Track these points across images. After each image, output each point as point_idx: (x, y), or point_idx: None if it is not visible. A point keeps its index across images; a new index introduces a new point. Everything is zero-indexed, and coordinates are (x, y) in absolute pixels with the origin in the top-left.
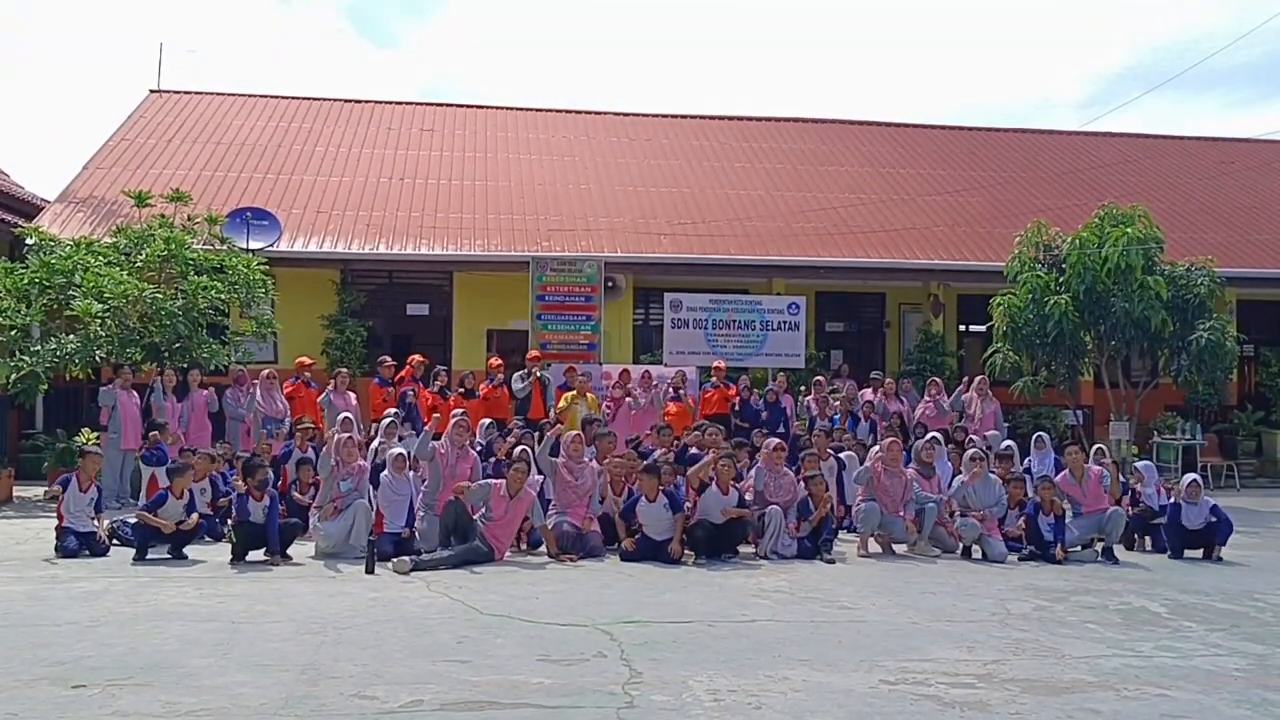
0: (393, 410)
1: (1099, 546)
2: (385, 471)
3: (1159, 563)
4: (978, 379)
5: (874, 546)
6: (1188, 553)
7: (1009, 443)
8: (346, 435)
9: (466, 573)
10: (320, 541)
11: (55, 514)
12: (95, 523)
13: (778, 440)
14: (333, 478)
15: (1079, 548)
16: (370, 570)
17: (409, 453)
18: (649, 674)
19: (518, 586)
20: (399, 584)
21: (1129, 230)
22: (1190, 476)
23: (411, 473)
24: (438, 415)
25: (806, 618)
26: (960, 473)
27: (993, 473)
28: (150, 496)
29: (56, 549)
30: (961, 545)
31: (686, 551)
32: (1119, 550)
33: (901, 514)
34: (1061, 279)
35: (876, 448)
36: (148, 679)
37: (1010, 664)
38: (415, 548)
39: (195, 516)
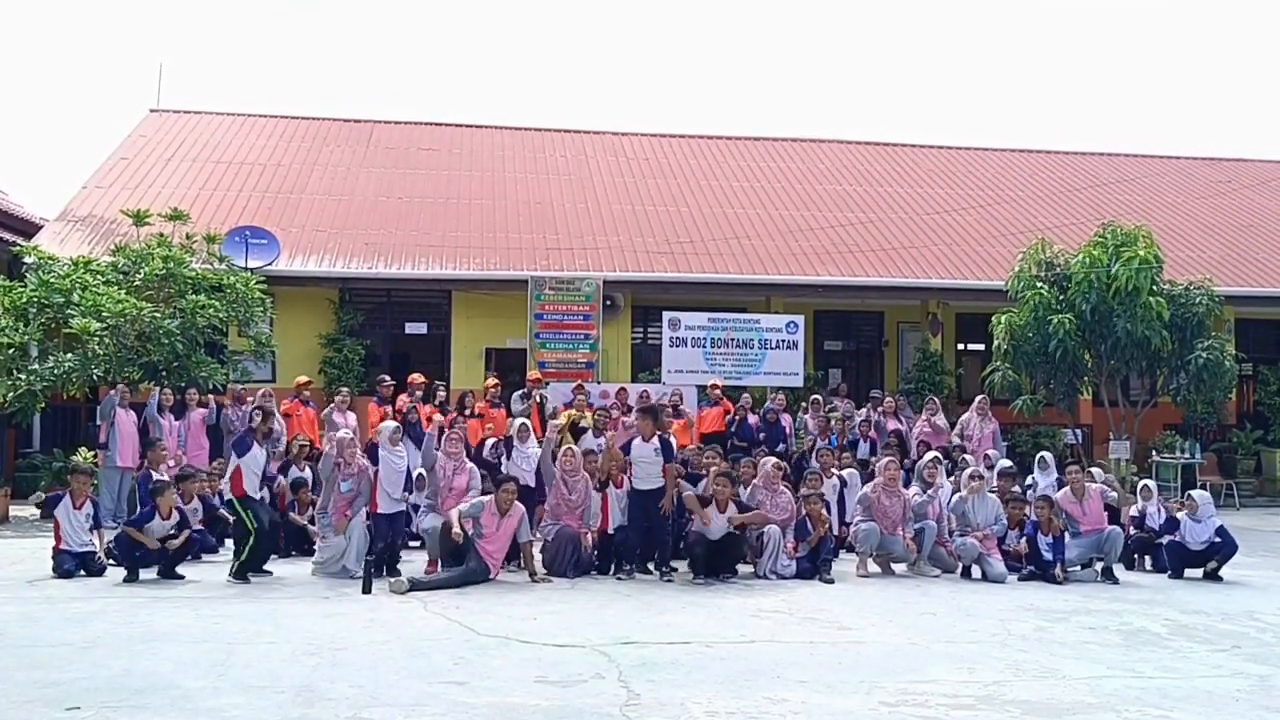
0: (394, 424)
1: (1099, 566)
2: (381, 449)
3: (1159, 583)
4: (977, 399)
5: (873, 567)
6: (1188, 572)
7: (1008, 462)
8: (350, 435)
9: (464, 593)
10: (321, 552)
11: (53, 534)
12: (94, 541)
13: (775, 459)
14: (333, 479)
15: (1078, 567)
16: (367, 590)
17: (409, 463)
18: (647, 695)
19: (515, 607)
20: (396, 605)
21: (1142, 252)
22: (1202, 493)
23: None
24: (439, 419)
25: (805, 639)
26: (958, 490)
27: (992, 491)
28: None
29: (54, 570)
30: (961, 565)
31: (683, 571)
32: (1119, 570)
33: (900, 534)
34: (1063, 297)
35: (876, 467)
36: (142, 701)
37: (1011, 685)
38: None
39: (186, 534)
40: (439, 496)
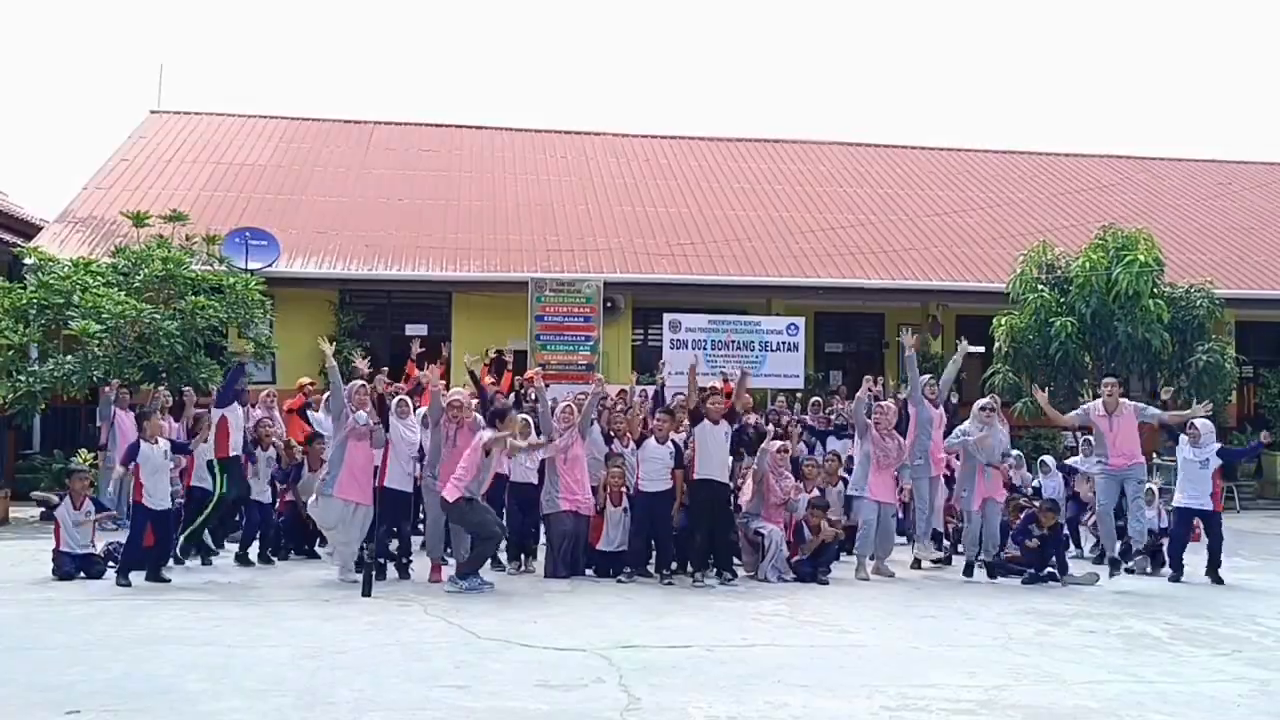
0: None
1: (1106, 561)
2: (392, 418)
3: (1160, 586)
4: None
5: (873, 571)
6: (1189, 574)
7: (1016, 453)
8: (359, 383)
9: (464, 597)
10: (321, 512)
11: (53, 536)
12: (93, 543)
13: (781, 443)
14: (344, 416)
15: (1086, 561)
16: (367, 593)
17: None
18: (647, 700)
19: (516, 610)
20: (396, 608)
21: (1141, 257)
22: (1205, 422)
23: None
24: (435, 366)
25: (806, 642)
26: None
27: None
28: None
29: (54, 572)
30: (965, 563)
31: (684, 574)
32: (1119, 572)
33: (896, 477)
34: (1064, 300)
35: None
36: (142, 704)
37: (1012, 690)
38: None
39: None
40: (441, 453)
